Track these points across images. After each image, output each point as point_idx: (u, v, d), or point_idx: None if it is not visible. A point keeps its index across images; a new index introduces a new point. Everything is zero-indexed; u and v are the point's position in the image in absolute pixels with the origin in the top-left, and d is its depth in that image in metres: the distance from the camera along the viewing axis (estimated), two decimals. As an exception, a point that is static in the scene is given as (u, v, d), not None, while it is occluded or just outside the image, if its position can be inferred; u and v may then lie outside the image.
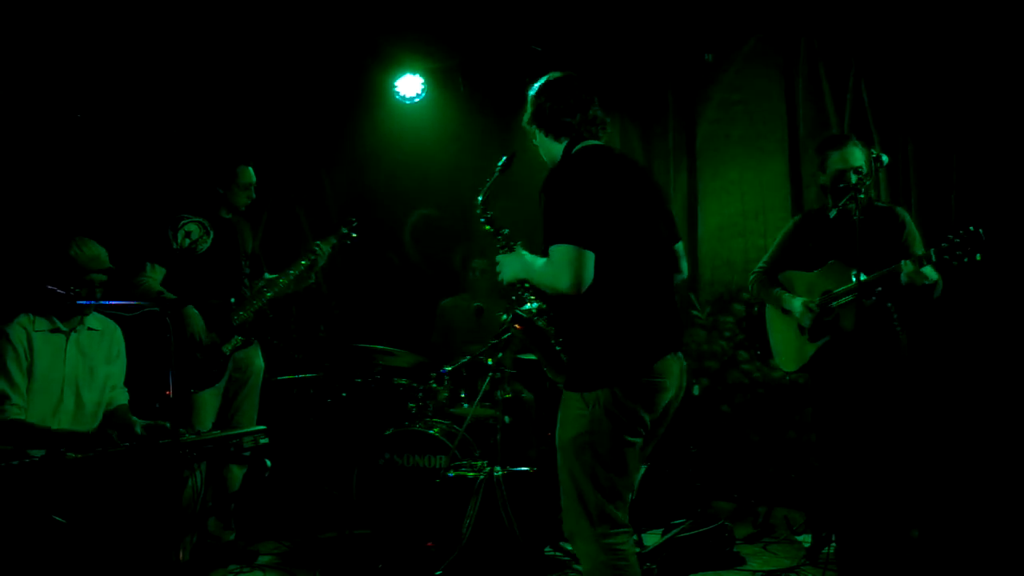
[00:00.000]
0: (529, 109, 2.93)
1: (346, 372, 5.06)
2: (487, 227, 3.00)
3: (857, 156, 3.85)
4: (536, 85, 2.94)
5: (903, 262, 3.50)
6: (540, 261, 2.68)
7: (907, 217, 3.86)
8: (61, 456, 3.07)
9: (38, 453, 3.15)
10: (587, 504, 2.62)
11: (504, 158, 3.02)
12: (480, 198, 3.00)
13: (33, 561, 3.03)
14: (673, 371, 2.71)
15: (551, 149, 2.89)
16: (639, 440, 2.67)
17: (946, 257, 3.38)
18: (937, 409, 4.43)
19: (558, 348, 2.83)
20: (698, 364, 5.83)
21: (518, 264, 2.80)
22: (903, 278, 3.49)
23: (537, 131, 2.92)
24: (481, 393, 4.38)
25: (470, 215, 3.09)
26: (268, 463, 3.94)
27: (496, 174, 3.01)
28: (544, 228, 2.64)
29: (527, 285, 2.91)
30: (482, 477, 3.96)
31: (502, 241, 2.96)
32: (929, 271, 3.47)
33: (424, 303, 5.97)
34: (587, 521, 2.62)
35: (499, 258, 2.90)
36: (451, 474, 4.14)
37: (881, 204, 3.93)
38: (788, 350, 4.06)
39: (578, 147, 2.81)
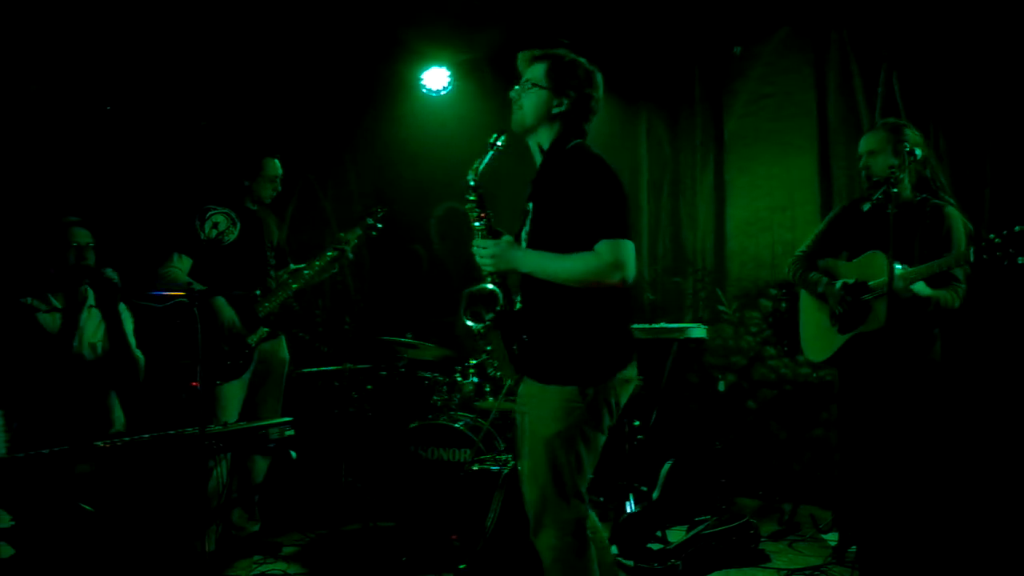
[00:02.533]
0: (563, 75, 2.81)
1: (371, 365, 5.04)
2: (474, 207, 2.83)
3: (864, 142, 3.79)
4: (583, 63, 2.85)
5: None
6: (568, 256, 2.65)
7: (954, 217, 3.67)
8: (89, 445, 3.09)
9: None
10: (565, 488, 2.67)
11: (500, 136, 2.85)
12: (472, 179, 2.83)
13: (60, 548, 3.07)
14: (634, 365, 2.83)
15: (543, 125, 2.82)
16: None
17: (984, 257, 3.23)
18: (965, 412, 4.35)
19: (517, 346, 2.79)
20: (724, 360, 5.77)
21: (518, 256, 2.75)
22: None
23: (549, 96, 2.80)
24: (506, 387, 4.36)
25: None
26: (294, 455, 3.94)
27: (492, 152, 2.84)
28: (571, 220, 2.65)
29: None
30: (506, 471, 3.93)
31: (484, 225, 2.83)
32: (920, 287, 3.45)
33: (450, 296, 5.95)
34: (564, 505, 2.67)
35: (486, 243, 2.78)
36: (475, 467, 4.12)
37: (935, 201, 3.73)
38: (816, 340, 3.97)
39: (581, 143, 2.80)
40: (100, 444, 3.11)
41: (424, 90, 6.30)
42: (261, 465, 4.42)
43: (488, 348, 4.67)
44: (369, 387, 5.02)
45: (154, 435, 3.28)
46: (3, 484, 3.00)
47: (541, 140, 2.87)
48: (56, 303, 3.65)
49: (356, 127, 6.47)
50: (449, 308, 5.88)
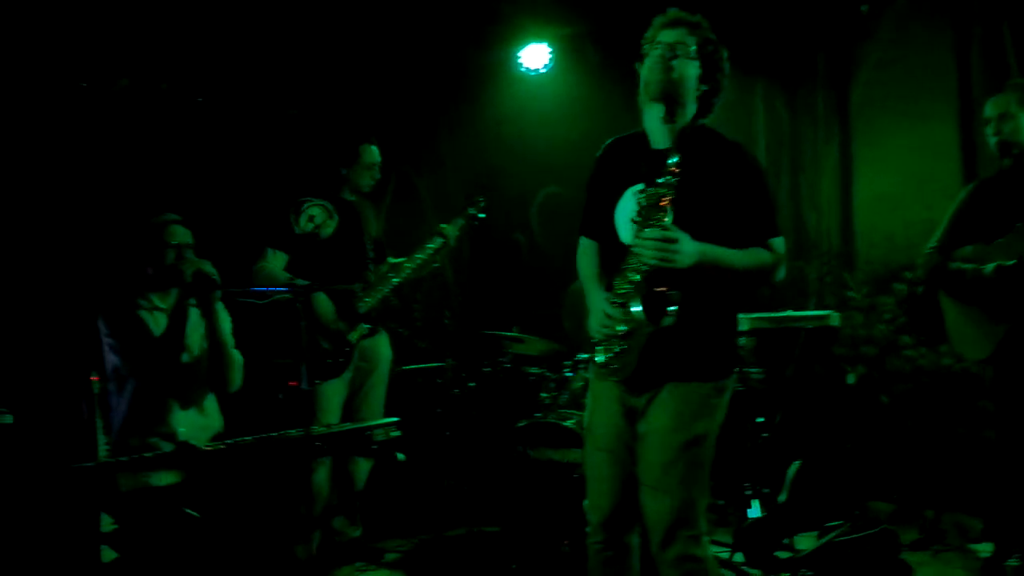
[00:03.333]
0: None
1: (474, 360, 4.94)
2: (670, 190, 2.46)
3: (993, 105, 3.57)
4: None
5: None
6: (749, 252, 2.56)
7: None
8: (193, 448, 3.04)
9: (169, 446, 3.19)
10: (703, 493, 2.57)
11: None
12: (674, 159, 2.45)
13: (164, 554, 3.02)
14: None
15: (687, 101, 2.63)
16: None
17: None
18: None
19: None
20: (853, 350, 5.40)
21: (706, 250, 2.45)
22: None
23: (700, 73, 2.63)
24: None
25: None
26: (401, 457, 3.84)
27: None
28: (736, 213, 2.57)
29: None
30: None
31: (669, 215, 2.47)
32: None
33: (552, 287, 5.79)
34: (698, 512, 2.55)
35: (679, 235, 2.41)
36: (588, 470, 3.93)
37: None
38: (969, 334, 3.67)
39: (705, 124, 2.72)
40: (203, 447, 3.05)
41: (522, 70, 6.16)
42: (363, 468, 4.33)
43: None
44: (472, 384, 4.88)
45: (257, 437, 3.21)
46: (105, 488, 2.91)
47: (677, 115, 2.64)
48: (159, 303, 3.56)
49: (451, 111, 6.39)
50: (552, 300, 5.71)
